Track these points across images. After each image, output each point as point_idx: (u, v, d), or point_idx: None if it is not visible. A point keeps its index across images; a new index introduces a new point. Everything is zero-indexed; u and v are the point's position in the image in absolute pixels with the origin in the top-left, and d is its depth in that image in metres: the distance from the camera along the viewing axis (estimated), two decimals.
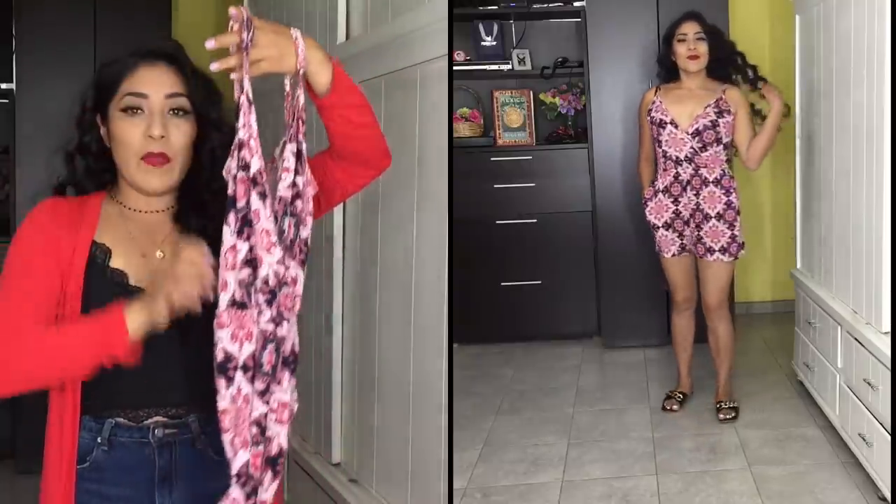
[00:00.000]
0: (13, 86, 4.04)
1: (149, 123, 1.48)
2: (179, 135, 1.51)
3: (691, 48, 3.14)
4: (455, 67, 4.39)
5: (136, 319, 1.38)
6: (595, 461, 3.07)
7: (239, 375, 1.38)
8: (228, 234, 1.37)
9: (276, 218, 1.42)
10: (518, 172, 4.51)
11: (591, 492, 2.84)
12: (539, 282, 4.54)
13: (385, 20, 2.26)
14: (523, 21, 4.71)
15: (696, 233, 3.21)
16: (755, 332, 4.57)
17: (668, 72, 3.29)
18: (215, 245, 1.39)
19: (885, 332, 2.63)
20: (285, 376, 1.45)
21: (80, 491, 1.51)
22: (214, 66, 1.37)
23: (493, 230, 4.50)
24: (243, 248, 1.38)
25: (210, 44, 1.34)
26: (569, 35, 4.71)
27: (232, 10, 1.33)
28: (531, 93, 4.67)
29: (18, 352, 1.40)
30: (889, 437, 2.50)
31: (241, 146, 1.38)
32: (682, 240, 3.28)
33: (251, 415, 1.41)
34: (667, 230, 3.28)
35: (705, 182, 3.17)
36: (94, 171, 1.58)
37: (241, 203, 1.37)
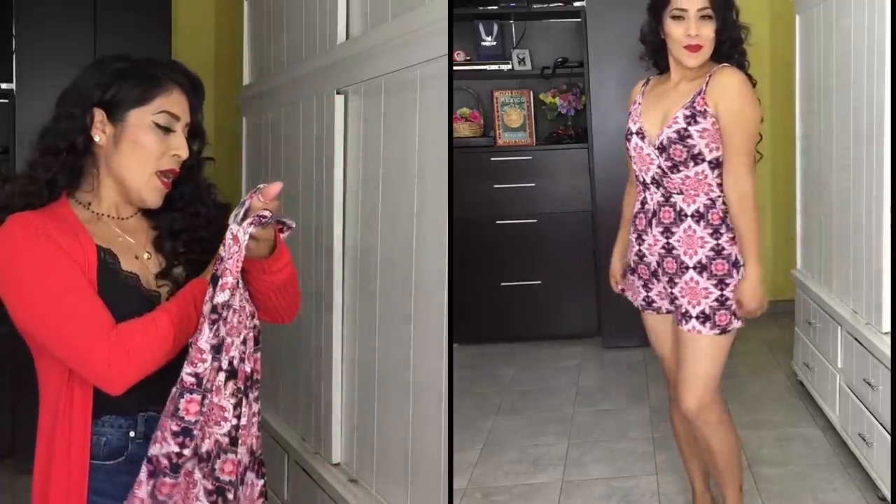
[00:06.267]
0: (13, 86, 4.04)
1: (178, 144, 1.61)
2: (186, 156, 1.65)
3: (692, 33, 2.12)
4: (455, 67, 4.39)
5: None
6: (595, 461, 3.07)
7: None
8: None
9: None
10: (518, 172, 4.51)
11: (591, 492, 2.84)
12: (539, 282, 4.54)
13: (385, 20, 2.25)
14: (523, 21, 4.72)
15: (670, 289, 2.24)
16: (755, 332, 4.56)
17: (656, 55, 2.30)
18: (183, 229, 1.65)
19: (885, 332, 2.63)
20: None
21: (118, 484, 1.56)
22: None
23: (493, 230, 4.51)
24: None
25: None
26: (569, 35, 4.71)
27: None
28: (531, 93, 4.68)
29: (154, 335, 1.49)
30: (889, 437, 2.50)
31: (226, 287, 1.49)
32: (647, 292, 2.33)
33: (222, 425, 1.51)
34: (632, 274, 2.36)
35: (681, 215, 2.17)
36: (72, 170, 1.64)
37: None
